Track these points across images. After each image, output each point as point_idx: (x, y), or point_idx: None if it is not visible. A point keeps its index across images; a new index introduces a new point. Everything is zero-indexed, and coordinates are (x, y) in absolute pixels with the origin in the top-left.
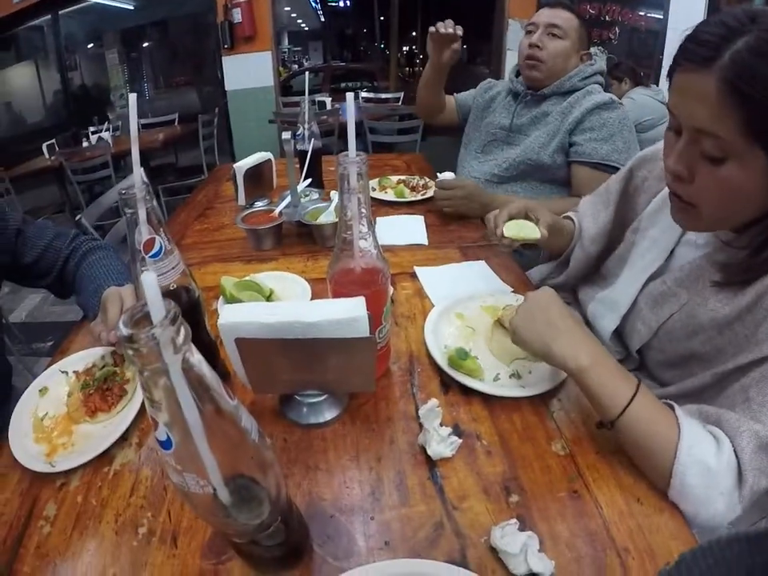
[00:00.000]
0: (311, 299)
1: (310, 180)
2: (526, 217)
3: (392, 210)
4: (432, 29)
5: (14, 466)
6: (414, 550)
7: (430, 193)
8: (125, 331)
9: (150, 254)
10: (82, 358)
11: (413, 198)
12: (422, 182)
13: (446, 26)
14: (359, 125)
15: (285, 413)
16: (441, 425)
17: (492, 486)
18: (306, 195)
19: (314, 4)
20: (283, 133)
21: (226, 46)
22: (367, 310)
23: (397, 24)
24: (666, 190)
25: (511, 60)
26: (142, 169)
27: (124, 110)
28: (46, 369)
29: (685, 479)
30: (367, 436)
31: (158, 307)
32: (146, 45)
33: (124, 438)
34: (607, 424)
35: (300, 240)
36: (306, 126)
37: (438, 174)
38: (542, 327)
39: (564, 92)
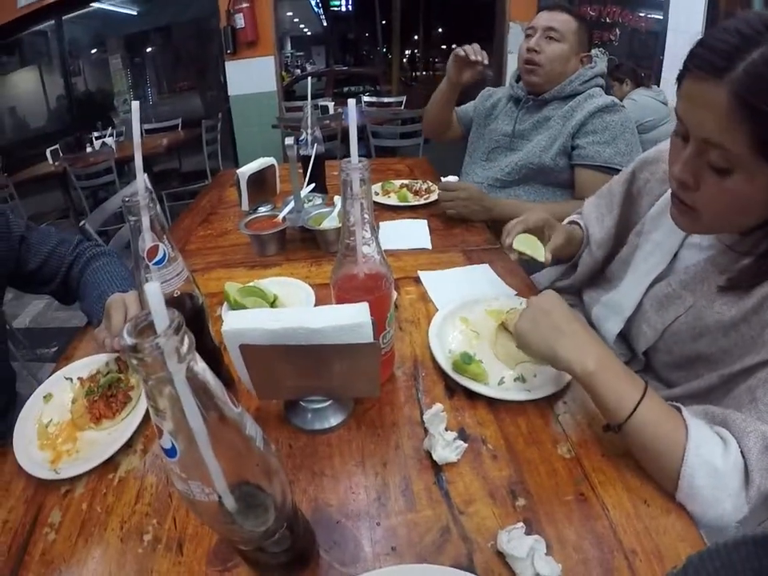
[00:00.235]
0: (315, 304)
1: (313, 185)
2: (543, 232)
3: (395, 214)
4: (460, 51)
5: (19, 473)
6: (420, 555)
7: (433, 197)
8: (129, 341)
9: (154, 262)
10: (87, 365)
11: (416, 203)
12: (425, 186)
13: (476, 53)
14: (362, 129)
15: (290, 419)
16: (446, 429)
17: (498, 489)
18: (310, 200)
19: (316, 9)
20: (286, 138)
21: (228, 51)
22: (371, 315)
23: (399, 28)
24: (669, 192)
25: (512, 63)
26: (146, 174)
27: (128, 115)
28: (50, 375)
29: (693, 481)
30: (372, 441)
31: (161, 317)
32: (149, 50)
33: (129, 445)
34: (614, 427)
35: (304, 245)
36: (309, 130)
37: (441, 178)
38: (547, 331)
39: (565, 96)
